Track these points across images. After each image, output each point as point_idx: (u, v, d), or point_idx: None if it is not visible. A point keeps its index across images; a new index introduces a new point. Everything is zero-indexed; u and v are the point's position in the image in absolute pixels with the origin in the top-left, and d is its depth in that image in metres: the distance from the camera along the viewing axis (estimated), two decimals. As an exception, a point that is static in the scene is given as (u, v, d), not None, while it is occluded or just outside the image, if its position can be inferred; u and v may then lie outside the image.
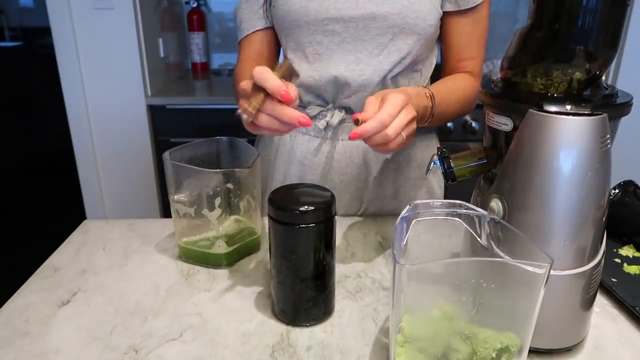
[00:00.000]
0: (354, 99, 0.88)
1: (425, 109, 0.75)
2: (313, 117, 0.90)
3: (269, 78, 0.58)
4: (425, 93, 0.75)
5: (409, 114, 0.63)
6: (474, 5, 0.84)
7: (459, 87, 0.87)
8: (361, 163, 0.91)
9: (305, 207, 0.57)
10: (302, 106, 0.91)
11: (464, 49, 0.88)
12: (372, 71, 0.85)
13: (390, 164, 0.93)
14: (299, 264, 0.59)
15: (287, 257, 0.59)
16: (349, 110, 0.89)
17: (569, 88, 0.51)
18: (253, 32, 0.92)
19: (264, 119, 0.61)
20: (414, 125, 0.65)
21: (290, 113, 0.60)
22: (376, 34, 0.83)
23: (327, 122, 0.88)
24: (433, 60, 0.93)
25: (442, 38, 0.90)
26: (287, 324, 0.62)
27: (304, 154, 0.92)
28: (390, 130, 0.60)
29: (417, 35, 0.83)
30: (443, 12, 0.86)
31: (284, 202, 0.59)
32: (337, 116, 0.88)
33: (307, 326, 0.61)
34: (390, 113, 0.61)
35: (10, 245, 2.65)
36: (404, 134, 0.62)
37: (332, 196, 0.60)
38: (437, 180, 0.99)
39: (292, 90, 0.60)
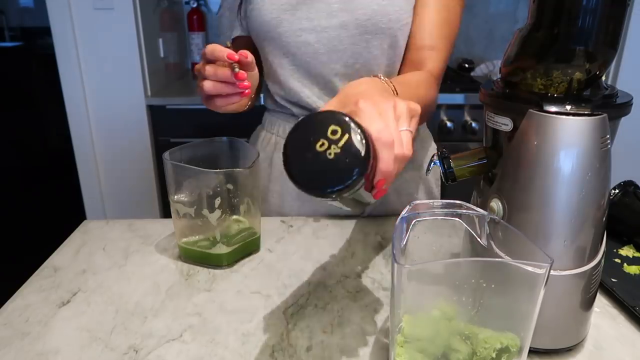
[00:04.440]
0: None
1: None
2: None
3: (216, 49, 0.61)
4: (385, 81, 0.61)
5: (401, 109, 0.49)
6: None
7: (419, 85, 0.74)
8: None
9: None
10: (295, 116, 0.91)
11: (426, 35, 0.81)
12: (350, 79, 0.83)
13: None
14: None
15: None
16: None
17: (569, 88, 0.51)
18: (236, 38, 0.90)
19: (206, 84, 0.64)
20: (402, 105, 0.49)
21: (225, 70, 0.62)
22: (349, 42, 0.81)
23: None
24: None
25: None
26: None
27: None
28: (401, 149, 0.47)
29: (392, 38, 0.81)
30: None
31: None
32: None
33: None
34: (388, 128, 0.46)
35: (11, 245, 2.65)
36: (412, 129, 0.50)
37: None
38: (434, 179, 0.99)
39: (247, 53, 0.63)
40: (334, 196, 0.43)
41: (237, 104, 0.70)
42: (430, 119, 0.84)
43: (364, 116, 0.45)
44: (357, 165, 0.42)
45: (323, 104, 0.86)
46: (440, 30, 0.81)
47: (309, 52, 0.83)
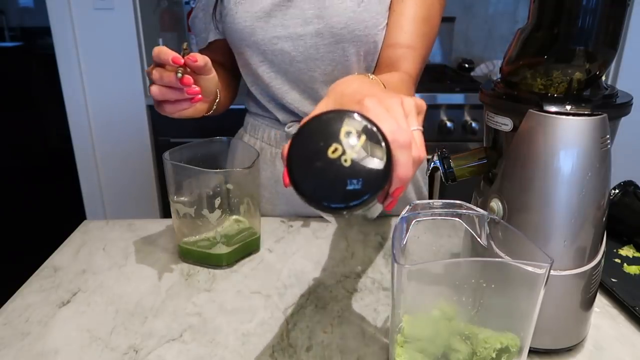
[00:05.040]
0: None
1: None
2: (286, 126, 0.88)
3: (162, 52, 0.59)
4: (371, 76, 0.56)
5: (409, 105, 0.43)
6: None
7: (400, 85, 0.68)
8: None
9: None
10: (280, 122, 0.89)
11: (402, 32, 0.76)
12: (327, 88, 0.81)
13: None
14: None
15: None
16: None
17: (569, 88, 0.51)
18: (210, 43, 0.88)
19: (152, 89, 0.61)
20: (410, 101, 0.44)
21: (170, 75, 0.59)
22: (326, 50, 0.79)
23: None
24: None
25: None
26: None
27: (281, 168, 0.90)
28: (417, 151, 0.41)
29: (370, 44, 0.78)
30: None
31: None
32: None
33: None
34: (402, 129, 0.39)
35: (11, 245, 2.65)
36: (420, 125, 0.45)
37: None
38: (421, 176, 0.98)
39: (197, 57, 0.61)
40: (351, 210, 0.36)
41: (193, 110, 0.65)
42: None
43: (373, 115, 0.38)
44: (379, 171, 0.35)
45: (310, 109, 0.84)
46: (418, 27, 0.76)
47: (286, 60, 0.81)
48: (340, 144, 0.35)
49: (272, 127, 0.92)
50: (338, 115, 0.37)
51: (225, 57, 0.89)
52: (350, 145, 0.35)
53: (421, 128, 0.44)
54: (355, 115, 0.36)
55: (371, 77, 0.54)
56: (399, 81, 0.68)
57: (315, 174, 0.35)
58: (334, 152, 0.35)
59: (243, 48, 0.82)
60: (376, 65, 0.81)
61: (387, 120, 0.39)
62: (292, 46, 0.80)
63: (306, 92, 0.85)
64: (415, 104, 0.44)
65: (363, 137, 0.36)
